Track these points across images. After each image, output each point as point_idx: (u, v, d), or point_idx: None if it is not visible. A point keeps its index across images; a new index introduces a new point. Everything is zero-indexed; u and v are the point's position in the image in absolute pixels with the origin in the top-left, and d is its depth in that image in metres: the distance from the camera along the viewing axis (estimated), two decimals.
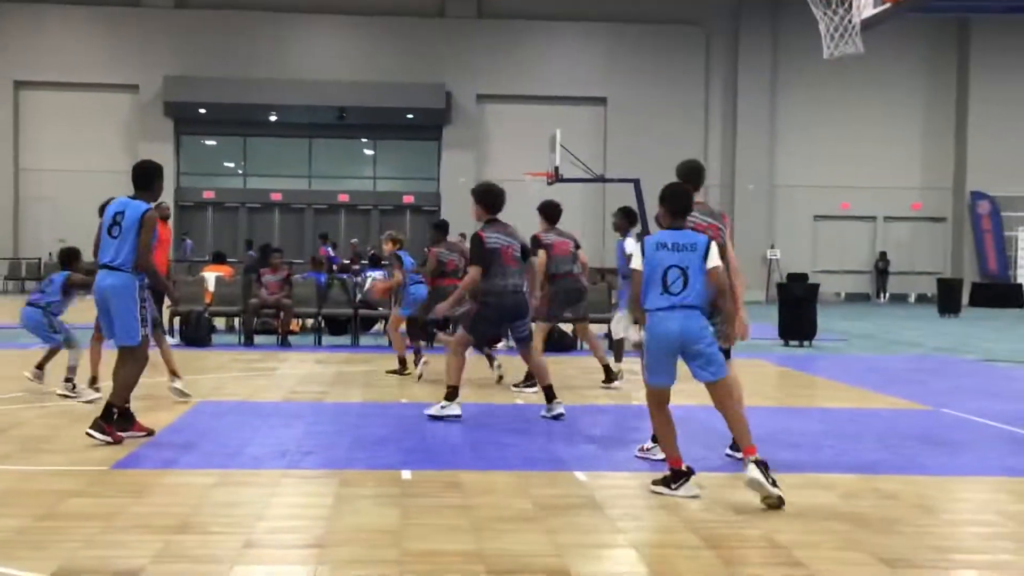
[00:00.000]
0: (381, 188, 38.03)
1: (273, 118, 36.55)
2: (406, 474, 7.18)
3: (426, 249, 14.68)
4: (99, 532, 5.53)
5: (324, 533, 5.63)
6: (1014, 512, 6.53)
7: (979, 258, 37.45)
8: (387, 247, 13.89)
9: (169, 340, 16.31)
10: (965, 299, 32.35)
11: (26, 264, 35.25)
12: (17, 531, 5.51)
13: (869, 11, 8.76)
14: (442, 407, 9.61)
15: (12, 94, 35.47)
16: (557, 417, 9.74)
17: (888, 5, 8.40)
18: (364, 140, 38.40)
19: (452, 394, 9.63)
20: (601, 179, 27.66)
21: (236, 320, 18.39)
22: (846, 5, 8.66)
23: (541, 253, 11.60)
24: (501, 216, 10.01)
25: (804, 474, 7.43)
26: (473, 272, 9.74)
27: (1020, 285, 35.91)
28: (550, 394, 9.90)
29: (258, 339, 17.06)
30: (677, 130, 36.53)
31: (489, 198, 9.89)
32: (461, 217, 36.08)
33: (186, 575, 4.90)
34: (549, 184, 25.31)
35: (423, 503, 6.36)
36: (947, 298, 29.62)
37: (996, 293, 33.96)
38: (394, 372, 13.12)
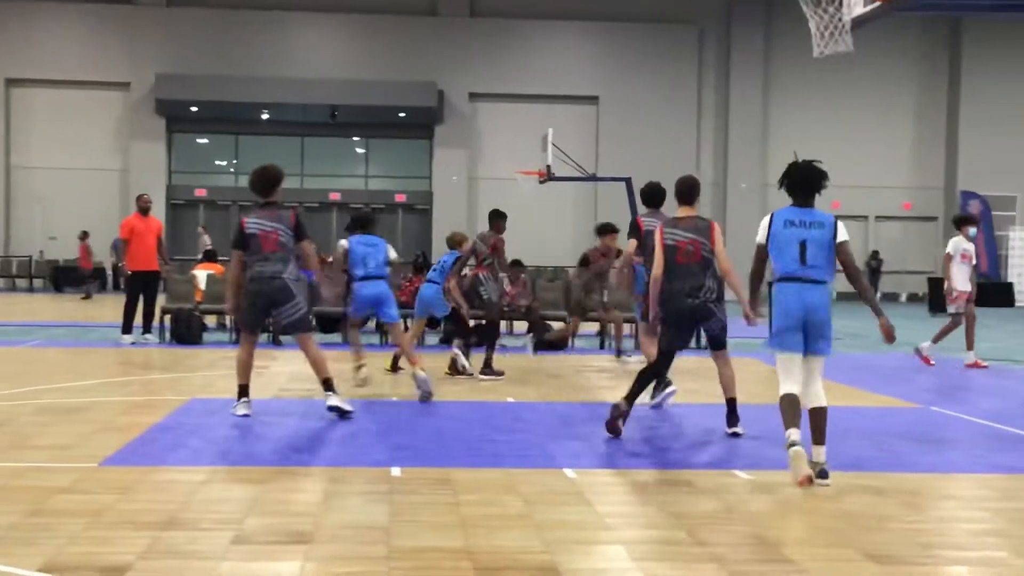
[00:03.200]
0: (373, 187, 38.02)
1: (265, 116, 36.53)
2: (396, 471, 7.17)
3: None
4: (86, 528, 5.52)
5: (312, 529, 5.62)
6: (1001, 509, 6.54)
7: None
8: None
9: (155, 339, 16.39)
10: None
11: (17, 262, 35.20)
12: (6, 527, 5.49)
13: (859, 9, 8.77)
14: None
15: (3, 92, 35.44)
16: (339, 413, 9.46)
17: (878, 3, 8.41)
18: (356, 139, 38.37)
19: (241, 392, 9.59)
20: (593, 178, 27.66)
21: (227, 318, 18.34)
22: (836, 3, 8.67)
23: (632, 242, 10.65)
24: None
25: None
26: (233, 258, 9.62)
27: (1010, 284, 36.00)
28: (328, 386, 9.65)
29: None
30: (669, 129, 36.59)
31: (261, 182, 9.71)
32: (454, 215, 36.19)
33: (174, 571, 4.88)
34: (541, 182, 25.30)
35: (412, 500, 6.36)
36: (938, 297, 29.65)
37: (986, 292, 33.94)
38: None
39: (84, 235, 31.43)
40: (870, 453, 8.20)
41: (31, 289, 34.68)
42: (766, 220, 7.39)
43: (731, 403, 8.91)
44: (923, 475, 7.46)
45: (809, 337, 7.23)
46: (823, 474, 6.86)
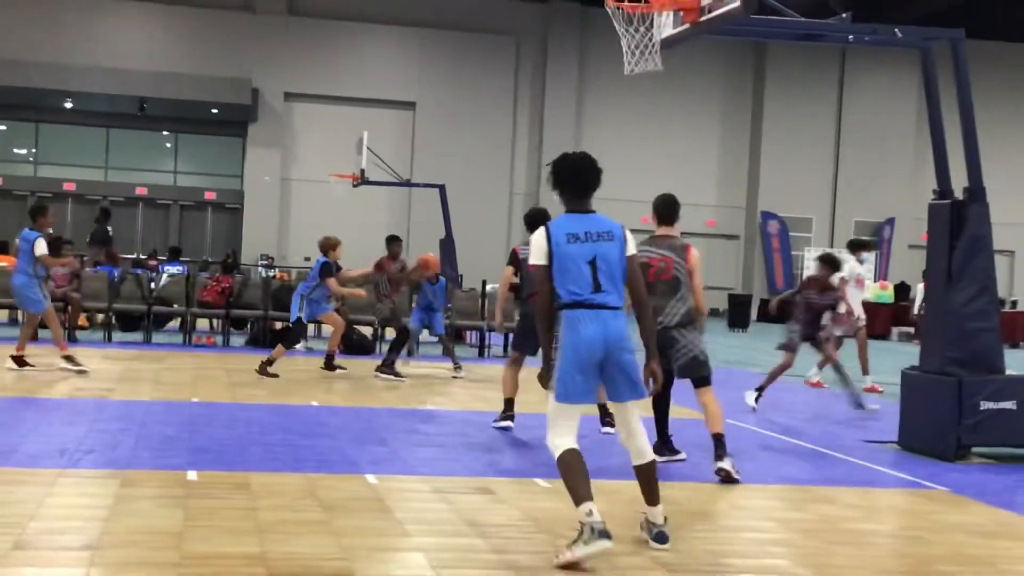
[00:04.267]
0: (182, 183, 37.08)
1: (69, 105, 35.19)
2: (192, 475, 7.00)
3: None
4: None
5: (100, 535, 5.43)
6: (786, 519, 6.81)
7: (768, 275, 39.00)
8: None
9: None
10: (754, 314, 33.60)
11: None
12: None
13: (669, 30, 9.00)
14: None
15: None
16: None
17: (686, 26, 8.66)
18: (165, 133, 37.35)
19: None
20: (407, 183, 27.60)
21: (18, 313, 17.59)
22: (648, 23, 8.87)
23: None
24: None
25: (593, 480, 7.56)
26: None
27: None
28: None
29: (43, 333, 16.35)
30: (486, 137, 36.90)
31: None
32: (266, 215, 35.61)
33: None
34: (355, 186, 25.13)
35: (208, 504, 6.21)
36: (737, 313, 30.76)
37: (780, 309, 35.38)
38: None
39: None
40: (664, 465, 8.41)
41: None
42: (541, 234, 5.71)
43: (716, 438, 7.94)
44: (716, 486, 7.69)
45: (613, 381, 5.69)
46: (661, 537, 5.77)
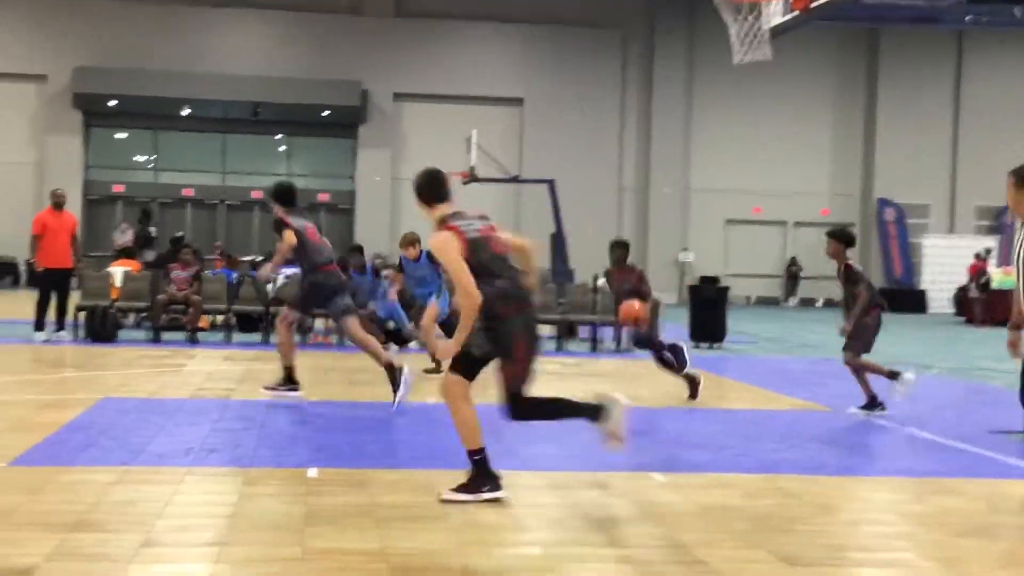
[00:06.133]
0: (296, 186, 37.63)
1: (186, 112, 36.05)
2: (312, 472, 7.13)
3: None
4: None
5: (226, 531, 5.56)
6: (909, 512, 6.67)
7: (885, 264, 38.23)
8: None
9: (69, 336, 16.08)
10: None
11: None
12: None
13: (778, 19, 8.90)
14: None
15: None
16: None
17: (796, 13, 8.54)
18: (278, 136, 38.03)
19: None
20: (516, 180, 27.73)
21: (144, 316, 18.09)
22: (756, 12, 8.78)
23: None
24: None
25: (708, 474, 7.53)
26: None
27: (923, 291, 36.74)
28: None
29: (166, 335, 16.81)
30: (593, 132, 36.80)
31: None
32: (377, 215, 36.05)
33: (80, 574, 4.80)
34: (464, 184, 25.31)
35: (328, 501, 6.32)
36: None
37: (901, 298, 34.65)
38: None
39: None
40: (783, 456, 8.32)
41: None
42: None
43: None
44: (834, 478, 7.58)
45: None
46: None
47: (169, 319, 17.39)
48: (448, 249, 6.40)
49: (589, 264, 27.42)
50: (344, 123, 36.51)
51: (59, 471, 6.95)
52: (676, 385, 11.66)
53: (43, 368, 12.80)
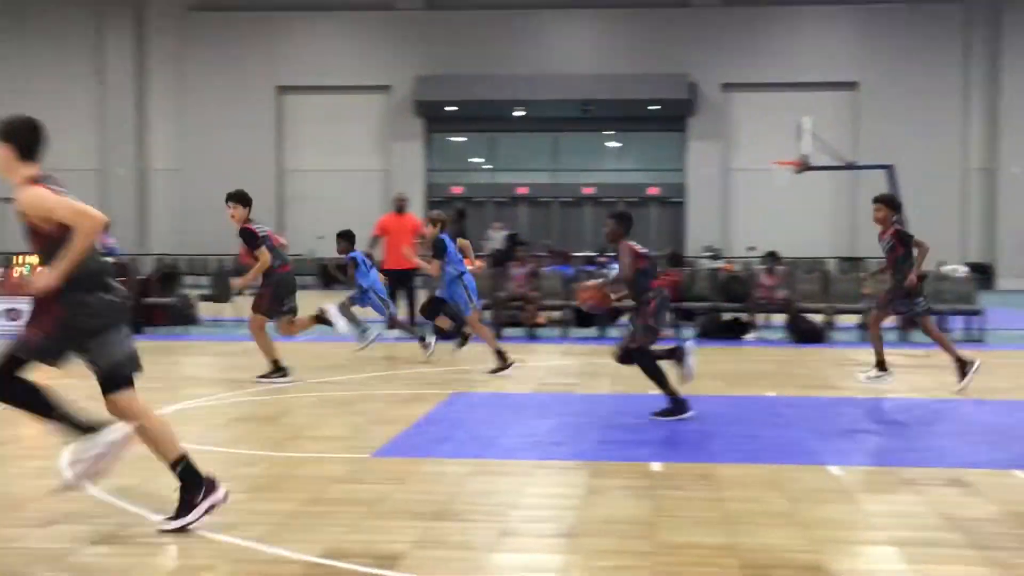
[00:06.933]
0: (626, 180, 38.07)
1: (519, 113, 37.14)
2: (656, 466, 7.18)
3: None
4: (362, 517, 5.77)
5: (576, 523, 5.70)
6: None
7: None
8: (430, 230, 12.95)
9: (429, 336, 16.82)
10: None
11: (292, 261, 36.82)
12: (289, 515, 5.81)
13: None
14: None
15: (276, 99, 37.31)
16: None
17: None
18: (608, 132, 38.52)
19: None
20: (851, 166, 26.80)
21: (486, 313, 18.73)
22: None
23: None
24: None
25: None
26: None
27: None
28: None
29: (505, 331, 17.36)
30: (933, 113, 35.07)
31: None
32: (708, 208, 35.88)
33: (445, 561, 5.05)
34: (797, 172, 24.76)
35: (674, 495, 6.35)
36: None
37: None
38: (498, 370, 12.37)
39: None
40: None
41: (304, 287, 36.36)
42: None
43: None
44: None
45: None
46: None
47: (508, 315, 17.95)
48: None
49: (933, 250, 26.17)
50: (673, 116, 36.53)
51: (419, 462, 7.34)
52: None
53: (398, 364, 13.50)
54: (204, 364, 14.10)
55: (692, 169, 36.66)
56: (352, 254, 14.30)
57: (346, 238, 14.52)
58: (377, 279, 14.33)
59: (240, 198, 11.45)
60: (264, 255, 11.31)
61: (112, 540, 5.27)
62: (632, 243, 9.27)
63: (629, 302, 9.50)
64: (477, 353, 13.39)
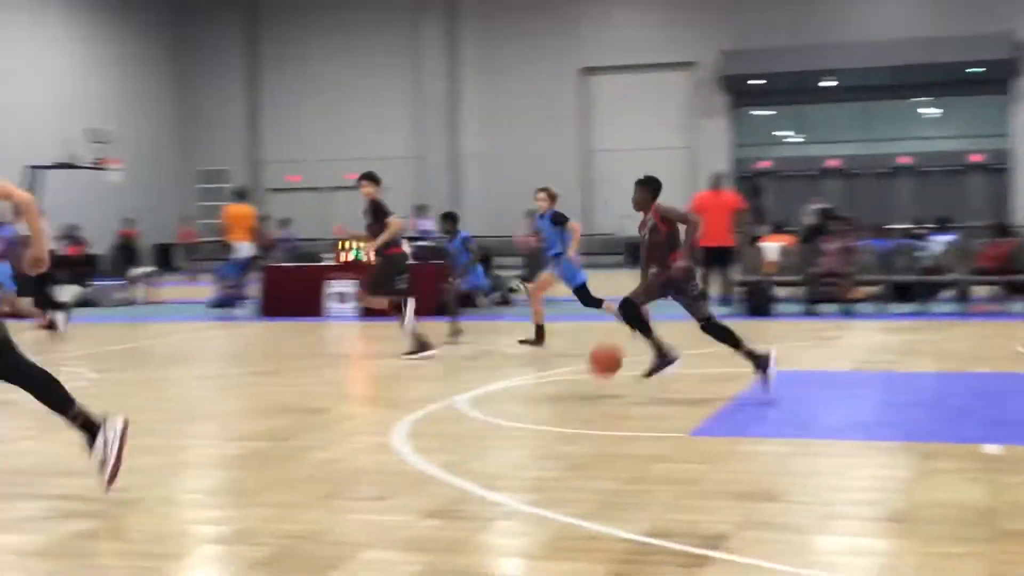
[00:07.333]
0: (943, 148, 36.25)
1: (828, 83, 36.02)
2: (990, 448, 6.80)
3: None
4: (683, 496, 5.76)
5: (905, 507, 5.47)
6: None
7: None
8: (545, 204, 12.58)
9: (726, 310, 16.66)
10: None
11: (602, 240, 37.01)
12: (612, 493, 5.87)
13: None
14: None
15: (579, 80, 37.77)
16: None
17: None
18: (922, 99, 36.76)
19: None
20: None
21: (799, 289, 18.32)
22: None
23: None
24: None
25: None
26: None
27: None
28: None
29: (820, 308, 16.92)
30: None
31: None
32: None
33: (770, 543, 4.96)
34: None
35: (1013, 480, 5.99)
36: None
37: None
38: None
39: None
40: None
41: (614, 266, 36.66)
42: None
43: None
44: None
45: None
46: None
47: (823, 291, 17.46)
48: None
49: None
50: (994, 79, 34.42)
51: (736, 441, 7.26)
52: None
53: (707, 343, 13.39)
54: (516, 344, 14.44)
55: (1020, 134, 34.47)
56: (462, 234, 14.39)
57: (451, 219, 14.57)
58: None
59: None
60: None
61: (442, 514, 5.49)
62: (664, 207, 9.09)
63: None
64: (791, 331, 13.11)
